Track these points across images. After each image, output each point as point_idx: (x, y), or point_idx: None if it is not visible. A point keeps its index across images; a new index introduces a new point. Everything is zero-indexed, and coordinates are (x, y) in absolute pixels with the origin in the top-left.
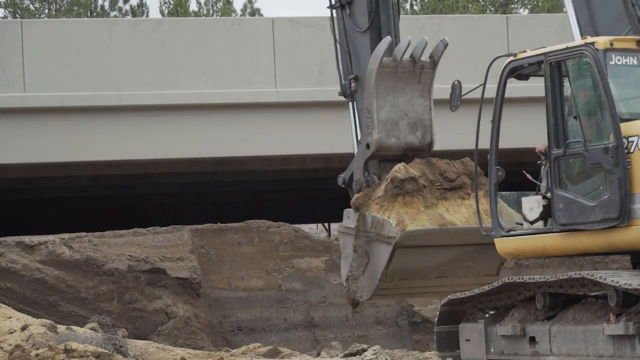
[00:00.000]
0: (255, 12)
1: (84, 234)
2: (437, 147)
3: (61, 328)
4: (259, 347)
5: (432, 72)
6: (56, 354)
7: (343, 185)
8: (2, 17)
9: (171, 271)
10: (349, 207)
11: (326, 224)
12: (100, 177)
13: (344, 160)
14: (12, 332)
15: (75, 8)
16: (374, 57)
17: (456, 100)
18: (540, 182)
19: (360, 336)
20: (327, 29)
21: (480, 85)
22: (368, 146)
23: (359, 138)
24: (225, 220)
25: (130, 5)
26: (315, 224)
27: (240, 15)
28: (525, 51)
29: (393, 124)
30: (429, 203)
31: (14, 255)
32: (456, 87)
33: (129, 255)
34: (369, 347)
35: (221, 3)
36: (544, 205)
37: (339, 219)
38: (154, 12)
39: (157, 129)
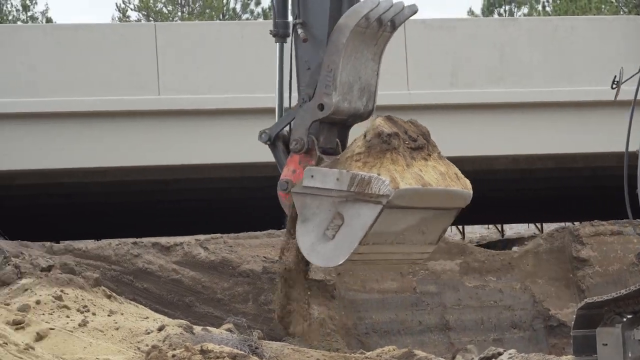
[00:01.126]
0: None
1: (219, 235)
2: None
3: (197, 329)
4: (394, 350)
5: (389, 37)
6: (192, 355)
7: (267, 142)
8: (136, 21)
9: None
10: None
11: (460, 227)
12: (234, 179)
13: (477, 163)
14: (149, 333)
15: (207, 11)
16: (353, 14)
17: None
18: None
19: (495, 340)
20: (459, 31)
21: (636, 74)
22: (322, 107)
23: (286, 89)
24: None
25: (262, 8)
26: (450, 227)
27: None
28: None
29: (349, 87)
30: (408, 162)
31: (150, 257)
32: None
33: (264, 257)
34: (504, 350)
35: None
36: None
37: (471, 221)
38: None
39: None
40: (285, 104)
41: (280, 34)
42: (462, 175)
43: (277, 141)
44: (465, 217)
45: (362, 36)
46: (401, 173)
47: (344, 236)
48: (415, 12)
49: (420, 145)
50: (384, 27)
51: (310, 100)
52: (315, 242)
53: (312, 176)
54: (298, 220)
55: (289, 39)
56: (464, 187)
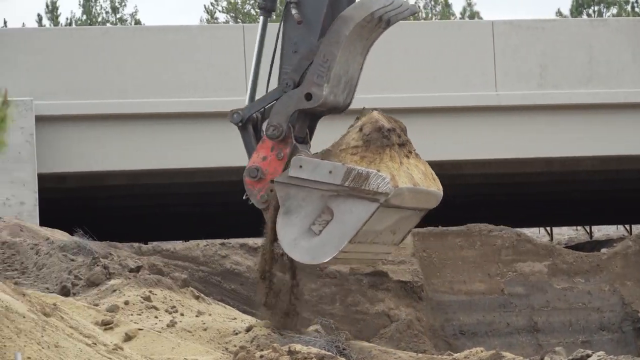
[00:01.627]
0: (474, 15)
1: None
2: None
3: (285, 330)
4: (481, 352)
5: (381, 33)
6: (280, 356)
7: (239, 124)
8: (224, 22)
9: (393, 274)
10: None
11: (548, 228)
12: None
13: (565, 164)
14: (236, 334)
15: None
16: (361, 8)
17: None
18: None
19: (583, 342)
20: (548, 32)
21: None
22: (309, 97)
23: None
24: (446, 223)
25: None
26: (537, 228)
27: (460, 19)
28: None
29: (337, 80)
30: (402, 159)
31: (238, 257)
32: None
33: None
34: (593, 352)
35: (440, 6)
36: None
37: (559, 222)
38: None
39: None
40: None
41: (267, 8)
42: (436, 175)
43: (247, 124)
44: (553, 218)
45: (361, 30)
46: (398, 171)
47: (332, 232)
48: (415, 13)
49: (404, 142)
50: (381, 23)
51: (296, 87)
52: (298, 236)
53: (301, 166)
54: (280, 211)
55: (274, 15)
56: (438, 187)
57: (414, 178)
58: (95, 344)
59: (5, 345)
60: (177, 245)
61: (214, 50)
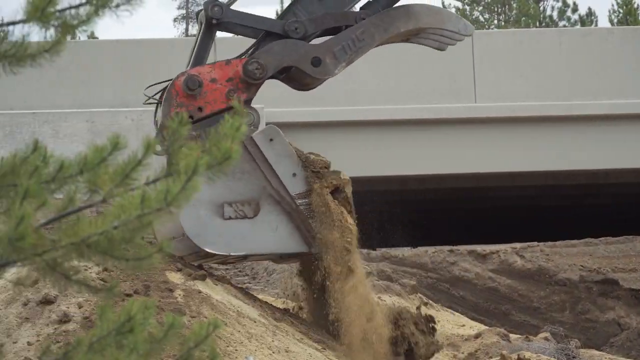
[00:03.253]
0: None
1: (535, 243)
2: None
3: (513, 337)
4: None
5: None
6: None
7: (213, 20)
8: None
9: (624, 282)
10: None
11: None
12: (548, 186)
13: None
14: (465, 340)
15: (523, 18)
16: (435, 18)
17: None
18: None
19: None
20: None
21: None
22: (317, 62)
23: None
24: None
25: (579, 15)
26: None
27: None
28: None
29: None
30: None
31: (466, 264)
32: None
33: (581, 266)
34: None
35: None
36: None
37: None
38: (603, 21)
39: (606, 138)
40: None
41: None
42: None
43: (218, 27)
44: None
45: (411, 32)
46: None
47: (239, 232)
48: (465, 37)
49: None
50: (431, 41)
51: (304, 38)
52: (203, 201)
53: (272, 140)
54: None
55: None
56: None
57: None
58: (325, 349)
59: (236, 350)
60: (406, 252)
61: (444, 57)
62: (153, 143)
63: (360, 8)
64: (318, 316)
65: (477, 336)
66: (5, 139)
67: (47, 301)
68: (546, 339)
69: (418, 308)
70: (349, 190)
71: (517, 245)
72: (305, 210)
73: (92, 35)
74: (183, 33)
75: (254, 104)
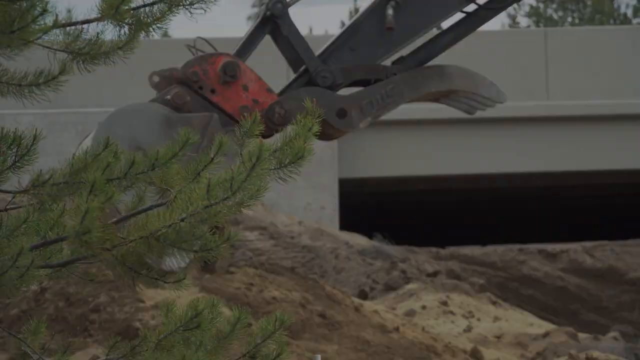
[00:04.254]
0: None
1: (605, 242)
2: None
3: (582, 337)
4: None
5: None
6: None
7: (278, 11)
8: (526, 27)
9: None
10: None
11: None
12: (622, 185)
13: None
14: (534, 340)
15: (597, 16)
16: (468, 83)
17: None
18: None
19: None
20: None
21: None
22: (342, 114)
23: None
24: None
25: None
26: None
27: None
28: None
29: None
30: None
31: (535, 263)
32: None
33: None
34: None
35: None
36: None
37: None
38: None
39: None
40: None
41: None
42: None
43: (269, 24)
44: None
45: (440, 94)
46: None
47: None
48: (496, 104)
49: None
50: (458, 104)
51: (332, 87)
52: None
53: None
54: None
55: None
56: None
57: None
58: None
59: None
60: (475, 250)
61: (516, 54)
62: (225, 142)
63: (393, 63)
64: None
65: (545, 335)
66: (77, 137)
67: None
68: (615, 338)
69: None
70: None
71: (587, 244)
72: None
73: (165, 34)
74: None
75: None
